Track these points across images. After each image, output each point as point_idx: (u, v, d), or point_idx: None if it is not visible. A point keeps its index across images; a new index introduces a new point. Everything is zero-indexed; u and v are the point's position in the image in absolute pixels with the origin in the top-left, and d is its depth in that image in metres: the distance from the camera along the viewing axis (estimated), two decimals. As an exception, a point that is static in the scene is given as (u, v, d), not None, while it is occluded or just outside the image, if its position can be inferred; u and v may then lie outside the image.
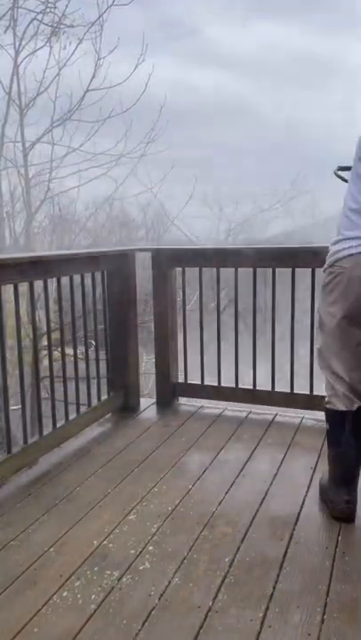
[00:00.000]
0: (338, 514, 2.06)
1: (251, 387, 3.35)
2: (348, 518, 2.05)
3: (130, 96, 8.51)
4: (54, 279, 2.76)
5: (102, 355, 3.27)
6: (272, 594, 1.69)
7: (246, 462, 2.58)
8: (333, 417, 2.07)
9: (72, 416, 2.92)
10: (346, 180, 2.08)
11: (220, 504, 2.23)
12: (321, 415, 3.33)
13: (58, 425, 2.80)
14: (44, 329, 2.78)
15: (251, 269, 3.20)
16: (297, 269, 3.10)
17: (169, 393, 3.46)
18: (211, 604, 1.66)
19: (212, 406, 3.44)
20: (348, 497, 2.04)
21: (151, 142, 8.78)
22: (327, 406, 2.09)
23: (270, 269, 3.14)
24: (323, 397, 3.35)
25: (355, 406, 2.00)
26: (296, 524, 2.07)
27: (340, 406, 2.03)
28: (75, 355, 2.98)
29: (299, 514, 2.14)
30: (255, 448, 2.74)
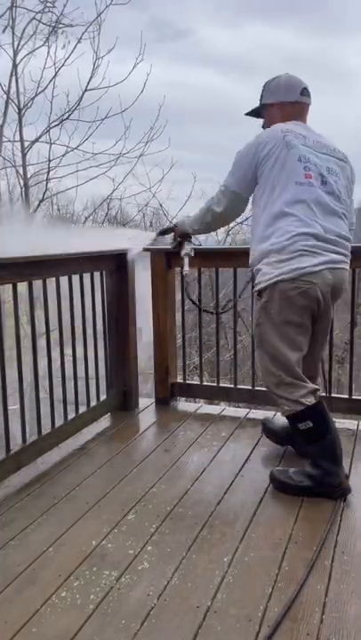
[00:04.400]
0: (342, 491, 2.20)
1: (250, 387, 3.35)
2: (349, 491, 2.22)
3: (128, 96, 8.50)
4: (53, 279, 2.76)
5: (101, 354, 3.27)
6: (271, 593, 1.69)
7: (245, 462, 2.58)
8: (316, 410, 2.19)
9: (71, 416, 2.92)
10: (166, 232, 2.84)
11: (218, 504, 2.23)
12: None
13: (57, 425, 2.80)
14: (43, 328, 2.78)
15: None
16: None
17: (168, 393, 3.45)
18: (210, 603, 1.66)
19: (210, 406, 3.44)
20: (345, 472, 2.25)
21: (150, 142, 8.76)
22: (307, 404, 2.18)
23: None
24: (322, 398, 3.35)
25: (315, 400, 2.21)
26: (295, 523, 2.07)
27: (313, 400, 2.19)
28: (73, 354, 2.98)
29: (297, 514, 2.14)
30: (254, 448, 2.74)
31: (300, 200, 2.14)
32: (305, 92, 2.33)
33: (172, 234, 2.82)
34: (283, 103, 2.31)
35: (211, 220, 2.47)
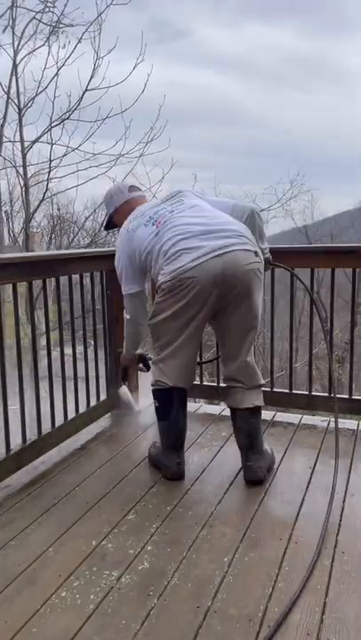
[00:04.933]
0: (171, 475, 2.43)
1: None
2: (179, 477, 2.43)
3: (128, 96, 8.50)
4: (53, 279, 2.76)
5: (101, 354, 3.27)
6: (271, 594, 1.69)
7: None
8: (163, 394, 2.42)
9: (71, 416, 2.92)
10: None
11: (218, 504, 2.23)
12: (320, 416, 3.34)
13: (57, 425, 2.80)
14: (43, 328, 2.78)
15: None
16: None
17: (168, 393, 3.45)
18: (210, 604, 1.66)
19: (210, 406, 3.44)
20: (179, 460, 2.45)
21: (150, 142, 8.77)
22: (157, 386, 2.42)
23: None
24: (322, 398, 3.37)
25: (180, 384, 2.39)
26: (295, 523, 2.07)
27: (170, 383, 2.38)
28: (74, 354, 2.98)
29: (298, 513, 2.14)
30: (254, 448, 2.73)
31: (168, 230, 2.28)
32: (132, 188, 2.71)
33: (134, 365, 2.95)
34: (119, 207, 2.66)
35: (132, 330, 2.67)
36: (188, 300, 2.22)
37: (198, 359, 2.80)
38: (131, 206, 2.58)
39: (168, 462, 2.46)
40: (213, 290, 2.20)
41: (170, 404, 2.42)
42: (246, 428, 2.41)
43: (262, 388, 2.48)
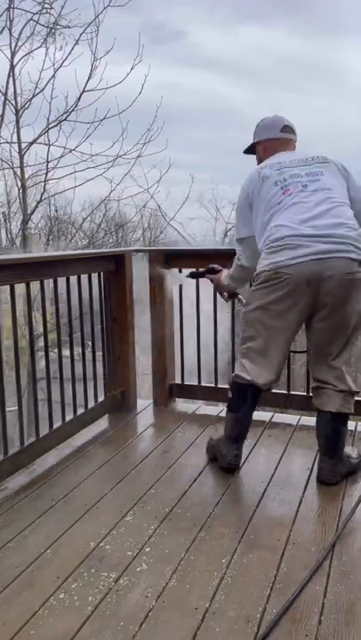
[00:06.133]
0: (227, 464, 2.49)
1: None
2: (233, 468, 2.50)
3: (125, 98, 8.50)
4: (51, 280, 2.76)
5: (99, 356, 3.27)
6: (269, 595, 1.69)
7: (243, 463, 2.58)
8: (239, 389, 2.43)
9: (69, 417, 2.92)
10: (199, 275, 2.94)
11: (216, 505, 2.23)
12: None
13: (55, 426, 2.79)
14: (41, 330, 2.78)
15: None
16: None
17: (166, 394, 3.45)
18: (208, 605, 1.65)
19: (209, 407, 3.44)
20: (237, 451, 2.50)
21: (147, 143, 8.76)
22: (236, 380, 2.42)
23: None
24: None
25: (259, 381, 2.37)
26: (293, 524, 2.07)
27: (248, 378, 2.37)
28: (71, 356, 2.98)
29: (296, 514, 2.14)
30: (252, 449, 2.74)
31: (285, 212, 2.26)
32: (286, 128, 2.57)
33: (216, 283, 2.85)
34: (264, 141, 2.58)
35: (244, 274, 2.60)
36: (280, 295, 2.21)
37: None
38: (274, 146, 2.53)
39: (226, 451, 2.49)
40: (306, 291, 2.18)
41: (243, 399, 2.42)
42: (325, 432, 2.35)
43: (355, 397, 2.36)
